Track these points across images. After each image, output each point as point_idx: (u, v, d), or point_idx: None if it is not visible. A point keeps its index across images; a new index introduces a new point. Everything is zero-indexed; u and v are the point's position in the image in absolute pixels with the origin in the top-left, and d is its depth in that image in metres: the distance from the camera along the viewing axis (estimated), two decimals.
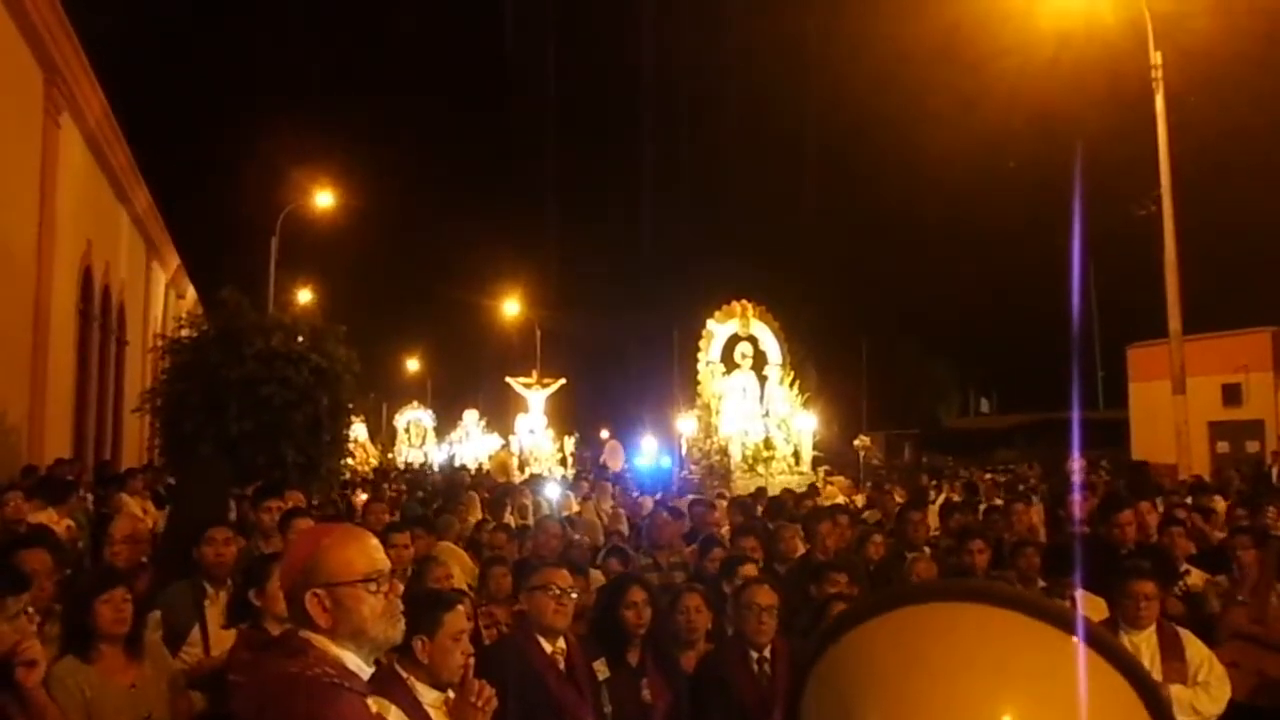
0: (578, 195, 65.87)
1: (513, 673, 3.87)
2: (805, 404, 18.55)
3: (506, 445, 29.53)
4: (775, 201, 53.12)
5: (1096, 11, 16.75)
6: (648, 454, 27.09)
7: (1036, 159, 28.52)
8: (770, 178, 59.76)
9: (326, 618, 2.20)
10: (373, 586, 2.24)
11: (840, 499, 12.87)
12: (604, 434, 35.61)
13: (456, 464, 30.69)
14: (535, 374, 31.69)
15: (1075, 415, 24.81)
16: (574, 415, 37.13)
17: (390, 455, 36.12)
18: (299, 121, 56.32)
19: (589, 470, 23.85)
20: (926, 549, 7.18)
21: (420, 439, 38.56)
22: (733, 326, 18.38)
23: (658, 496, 13.89)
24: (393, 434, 39.53)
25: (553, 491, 13.59)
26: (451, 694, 3.13)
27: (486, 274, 51.03)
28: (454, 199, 67.47)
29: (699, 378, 18.77)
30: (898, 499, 11.42)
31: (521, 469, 24.99)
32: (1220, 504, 9.63)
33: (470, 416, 38.04)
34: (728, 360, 18.49)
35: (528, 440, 29.00)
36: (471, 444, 35.86)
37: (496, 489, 13.83)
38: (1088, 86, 20.38)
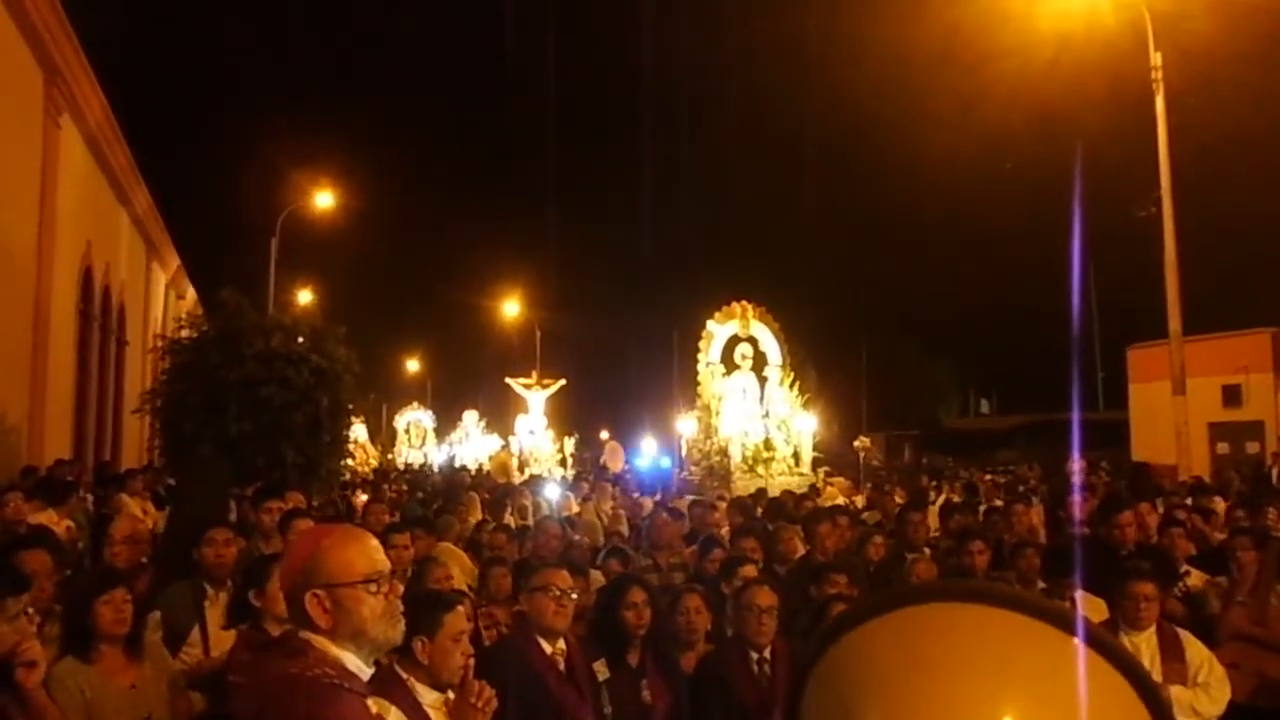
0: (578, 195, 66.06)
1: (513, 673, 3.87)
2: (805, 405, 18.55)
3: (506, 446, 29.52)
4: (775, 202, 53.25)
5: (1096, 13, 16.75)
6: (647, 455, 27.10)
7: (1037, 160, 28.56)
8: (770, 178, 59.90)
9: (326, 618, 2.20)
10: (373, 587, 2.24)
11: (840, 500, 12.87)
12: (604, 435, 35.64)
13: (456, 465, 30.70)
14: (535, 375, 31.69)
15: (1075, 416, 24.82)
16: (574, 416, 37.18)
17: (390, 456, 36.12)
18: (299, 122, 56.45)
19: (589, 471, 23.85)
20: (926, 550, 7.18)
21: (420, 440, 38.58)
22: (733, 327, 18.39)
23: (657, 497, 13.88)
24: (393, 435, 39.55)
25: (552, 492, 13.59)
26: (451, 695, 3.13)
27: (486, 274, 51.12)
28: (454, 199, 67.65)
29: (699, 379, 18.77)
30: (898, 500, 11.42)
31: (521, 470, 25.00)
32: (1220, 505, 9.62)
33: (470, 417, 38.06)
34: (728, 361, 18.49)
35: (528, 441, 29.01)
36: (471, 445, 35.87)
37: (496, 490, 13.83)
38: (1088, 88, 20.40)
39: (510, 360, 40.16)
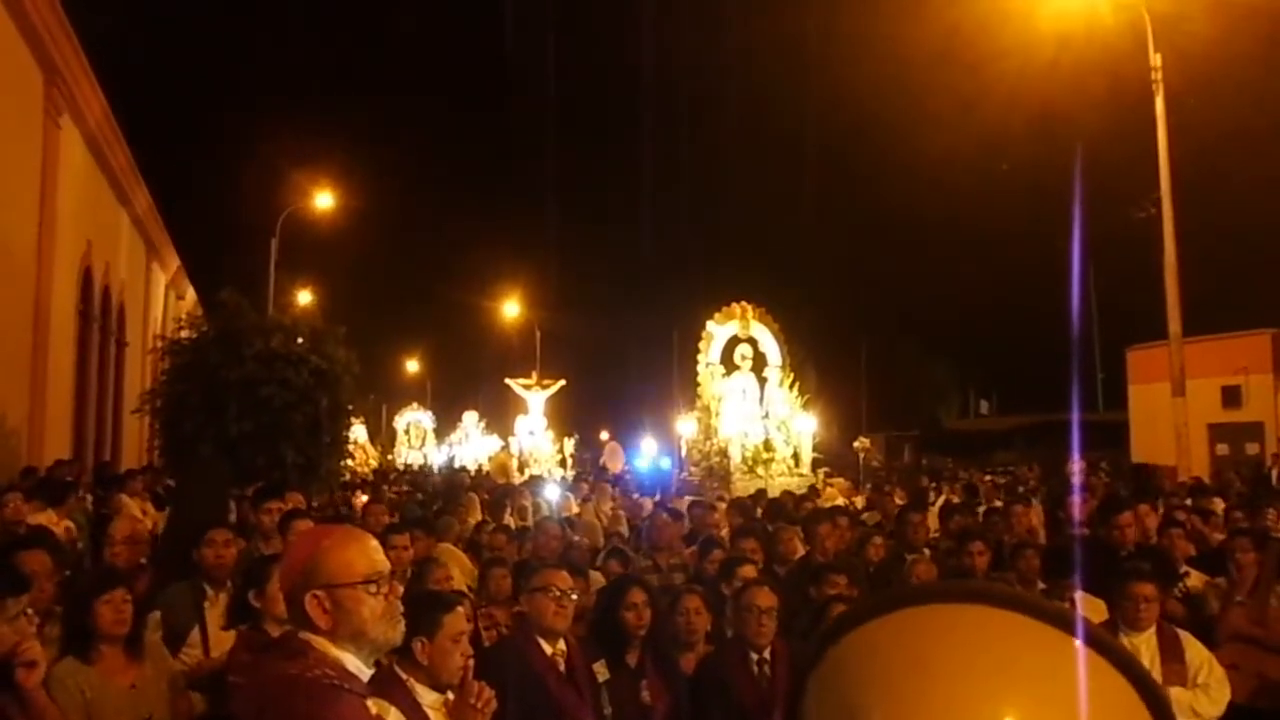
0: (578, 195, 66.08)
1: (512, 674, 3.87)
2: (805, 406, 18.54)
3: (506, 447, 29.52)
4: (775, 202, 53.26)
5: (1096, 14, 16.75)
6: (647, 455, 27.09)
7: (1036, 161, 28.61)
8: (770, 178, 59.91)
9: (326, 619, 2.20)
10: (372, 588, 2.24)
11: (840, 501, 12.86)
12: (604, 435, 35.66)
13: (456, 465, 30.71)
14: (535, 375, 31.69)
15: (1075, 417, 24.77)
16: (574, 417, 37.19)
17: (390, 457, 36.12)
18: (299, 122, 56.47)
19: (589, 472, 23.86)
20: (926, 551, 7.18)
21: (420, 440, 38.60)
22: (732, 328, 18.38)
23: (657, 498, 13.88)
24: (392, 435, 39.57)
25: (552, 493, 13.58)
26: (451, 695, 3.13)
27: (486, 275, 51.03)
28: (454, 199, 67.66)
29: (699, 379, 18.76)
30: (897, 501, 11.42)
31: (521, 470, 24.99)
32: (1219, 506, 9.63)
33: (470, 418, 38.08)
34: (727, 362, 18.49)
35: (527, 442, 29.00)
36: (471, 445, 35.89)
37: (496, 490, 13.83)
38: (1087, 88, 20.39)
39: (510, 361, 40.23)
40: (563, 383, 31.35)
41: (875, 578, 6.56)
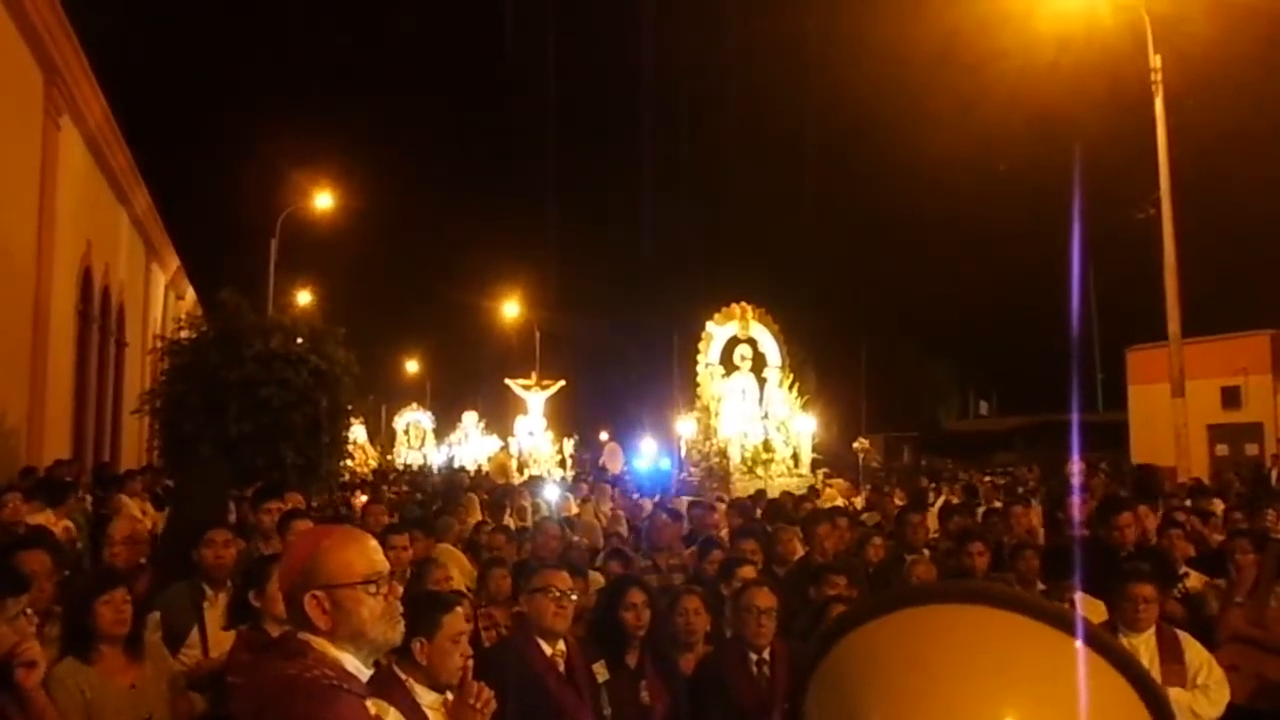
0: (578, 195, 66.09)
1: (512, 675, 3.87)
2: (804, 406, 18.55)
3: (506, 447, 29.52)
4: (775, 202, 53.25)
5: (1096, 15, 16.75)
6: (647, 456, 27.09)
7: (1036, 161, 28.58)
8: (770, 178, 59.91)
9: (326, 619, 2.20)
10: (372, 588, 2.24)
11: (839, 501, 12.86)
12: (603, 436, 35.66)
13: (455, 466, 30.71)
14: (534, 376, 31.69)
15: (1074, 418, 24.77)
16: (573, 417, 37.23)
17: (389, 457, 36.13)
18: (299, 122, 56.50)
19: (588, 472, 23.88)
20: (926, 551, 7.18)
21: (419, 441, 38.60)
22: (732, 328, 18.38)
23: (657, 498, 13.88)
24: (392, 436, 39.57)
25: (552, 493, 13.58)
26: (450, 696, 3.13)
27: (486, 275, 51.06)
28: (454, 199, 67.67)
29: (698, 380, 18.75)
30: (897, 501, 11.43)
31: (520, 471, 24.99)
32: (1219, 507, 9.63)
33: (469, 418, 38.08)
34: (727, 362, 18.48)
35: (527, 442, 29.00)
36: (470, 446, 35.89)
37: (496, 491, 13.81)
38: (1087, 89, 20.41)
39: (510, 361, 40.24)
40: (562, 383, 31.36)
41: (875, 578, 6.56)
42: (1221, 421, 23.82)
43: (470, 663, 3.22)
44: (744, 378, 18.40)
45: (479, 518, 10.54)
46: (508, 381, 31.73)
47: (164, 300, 29.44)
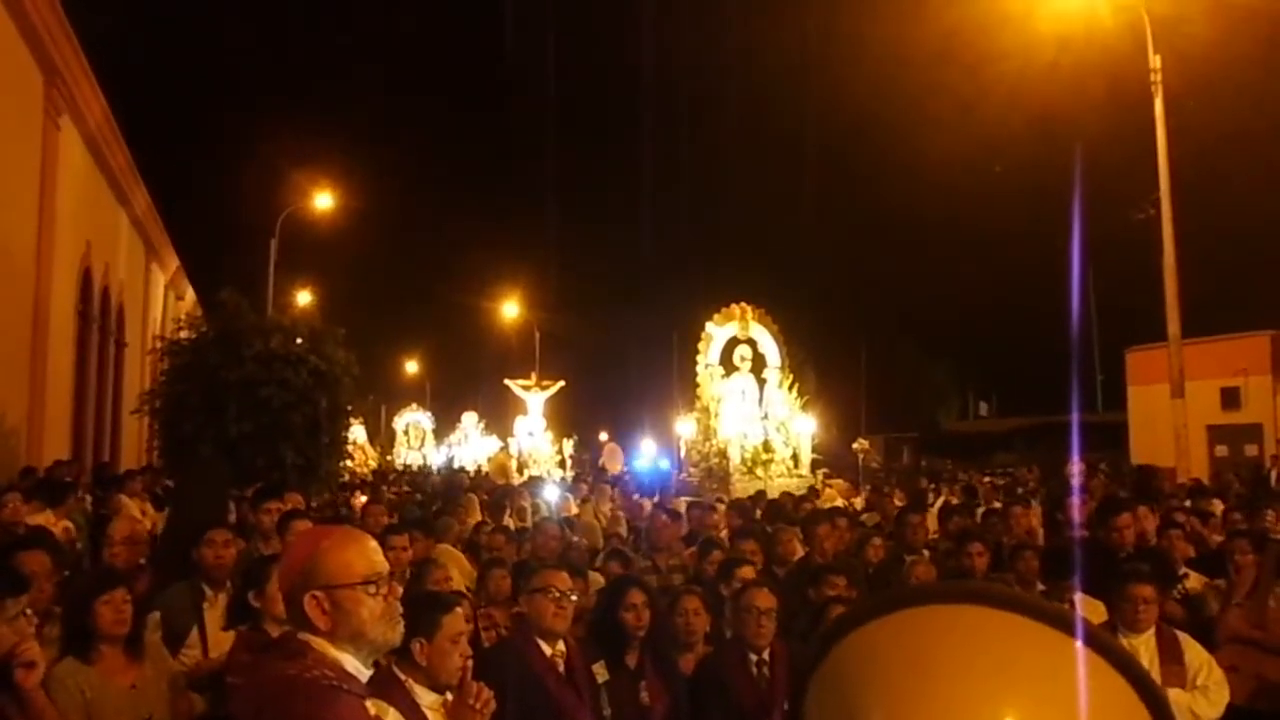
0: (578, 195, 66.14)
1: (512, 675, 3.87)
2: (804, 407, 18.55)
3: (505, 447, 29.51)
4: (775, 202, 53.28)
5: (1096, 15, 16.76)
6: (646, 456, 27.10)
7: (1036, 162, 28.60)
8: (770, 178, 59.95)
9: (325, 620, 2.20)
10: (371, 589, 2.24)
11: (839, 502, 12.86)
12: (603, 436, 35.67)
13: (455, 466, 30.70)
14: (534, 376, 31.67)
15: (1074, 418, 24.80)
16: (573, 417, 37.18)
17: (389, 457, 36.13)
18: (299, 122, 56.55)
19: (588, 472, 23.88)
20: (925, 552, 7.18)
21: (419, 441, 38.58)
22: (732, 329, 18.38)
23: (656, 499, 13.88)
24: (391, 436, 39.56)
25: (551, 494, 13.58)
26: (450, 696, 3.13)
27: (486, 275, 51.05)
28: (454, 199, 67.72)
29: (698, 380, 18.75)
30: (897, 502, 11.43)
31: (520, 471, 24.99)
32: (1218, 507, 9.63)
33: (469, 419, 38.07)
34: (727, 363, 18.48)
35: (526, 442, 28.99)
36: (470, 446, 35.88)
37: (495, 491, 13.81)
38: (1087, 90, 20.41)
39: (509, 361, 40.24)
40: (562, 383, 31.34)
41: (874, 579, 6.56)
42: (1221, 422, 23.81)
43: (470, 663, 3.22)
44: (744, 378, 18.40)
45: (479, 518, 10.54)
46: (507, 382, 31.73)
47: (164, 300, 29.44)
